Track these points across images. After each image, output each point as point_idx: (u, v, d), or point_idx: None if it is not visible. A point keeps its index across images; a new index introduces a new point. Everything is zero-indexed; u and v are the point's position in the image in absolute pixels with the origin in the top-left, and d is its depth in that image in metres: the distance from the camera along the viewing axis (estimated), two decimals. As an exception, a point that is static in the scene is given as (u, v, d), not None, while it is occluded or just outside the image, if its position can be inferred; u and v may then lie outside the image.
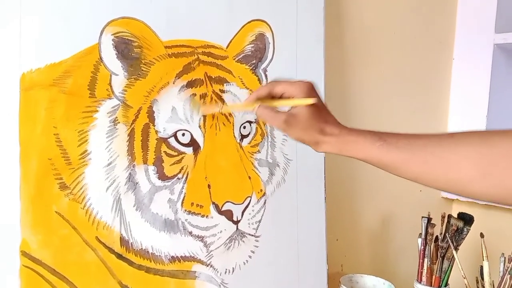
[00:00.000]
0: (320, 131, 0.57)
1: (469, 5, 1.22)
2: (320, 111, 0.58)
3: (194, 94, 0.72)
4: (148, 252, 0.69)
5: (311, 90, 0.58)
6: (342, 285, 0.90)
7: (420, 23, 1.17)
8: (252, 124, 0.78)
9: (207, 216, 0.73)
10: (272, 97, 0.60)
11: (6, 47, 0.59)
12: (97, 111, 0.65)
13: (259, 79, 0.80)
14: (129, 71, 0.67)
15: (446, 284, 0.92)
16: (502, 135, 0.48)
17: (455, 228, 0.90)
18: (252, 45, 0.79)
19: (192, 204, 0.72)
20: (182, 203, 0.72)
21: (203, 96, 0.73)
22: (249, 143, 0.78)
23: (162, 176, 0.70)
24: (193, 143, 0.72)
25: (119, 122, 0.66)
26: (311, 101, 0.56)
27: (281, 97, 0.60)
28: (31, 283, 0.61)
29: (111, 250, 0.66)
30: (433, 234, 0.92)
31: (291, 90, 0.58)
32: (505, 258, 0.90)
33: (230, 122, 0.75)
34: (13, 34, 0.59)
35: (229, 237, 0.76)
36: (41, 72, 0.61)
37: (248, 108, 0.63)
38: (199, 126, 0.72)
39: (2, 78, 0.59)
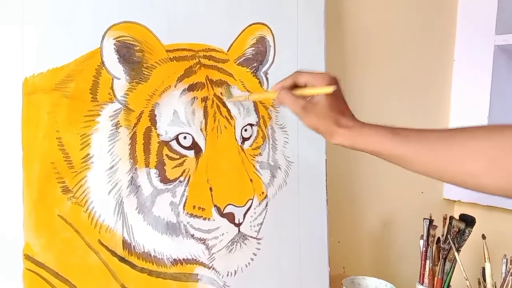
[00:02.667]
0: (335, 121, 0.59)
1: (470, 7, 1.22)
2: (338, 103, 0.60)
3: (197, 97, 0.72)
4: (150, 255, 0.70)
5: (333, 81, 0.60)
6: (344, 287, 0.90)
7: (421, 24, 1.17)
8: (253, 127, 0.79)
9: (209, 219, 0.74)
10: (296, 86, 0.62)
11: (9, 51, 0.59)
12: (99, 115, 0.65)
13: (260, 82, 0.80)
14: (131, 75, 0.67)
15: (448, 286, 0.92)
16: (510, 127, 0.49)
17: (457, 230, 0.90)
18: (253, 48, 0.79)
19: (194, 207, 0.73)
20: (184, 206, 0.72)
21: (205, 100, 0.73)
22: (250, 146, 0.79)
23: (164, 179, 0.70)
24: (194, 146, 0.72)
25: (121, 126, 0.67)
26: (330, 89, 0.58)
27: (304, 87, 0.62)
28: (34, 286, 0.61)
29: (114, 253, 0.67)
30: (434, 235, 0.92)
31: (314, 81, 0.60)
32: (507, 259, 0.90)
33: (231, 125, 0.76)
34: (15, 39, 0.60)
35: (231, 239, 0.76)
36: (44, 77, 0.61)
37: (271, 96, 0.64)
38: (201, 129, 0.73)
39: (5, 83, 0.59)
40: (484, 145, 0.50)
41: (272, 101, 0.67)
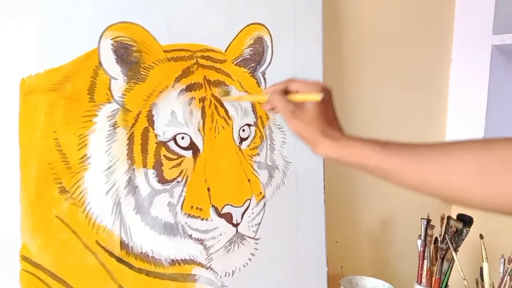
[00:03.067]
0: (321, 131, 0.58)
1: (467, 7, 1.22)
2: (328, 113, 0.59)
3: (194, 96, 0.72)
4: (148, 255, 0.70)
5: (325, 90, 0.59)
6: (342, 287, 0.90)
7: (418, 24, 1.17)
8: (251, 127, 0.79)
9: (206, 219, 0.74)
10: (288, 92, 0.62)
11: (6, 52, 0.59)
12: (96, 115, 0.65)
13: (257, 82, 0.80)
14: (128, 75, 0.67)
15: (446, 286, 0.92)
16: (503, 141, 0.48)
17: (455, 230, 0.91)
18: (251, 48, 0.79)
19: (192, 207, 0.73)
20: (182, 206, 0.72)
21: (202, 100, 0.73)
22: (248, 146, 0.79)
23: (162, 180, 0.70)
24: (192, 147, 0.72)
25: (118, 126, 0.66)
26: (318, 96, 0.57)
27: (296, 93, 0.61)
28: (31, 287, 0.61)
29: (111, 254, 0.67)
30: (432, 235, 0.92)
31: (306, 88, 0.60)
32: (504, 259, 0.90)
33: (229, 125, 0.76)
34: (12, 39, 0.59)
35: (229, 240, 0.76)
36: (41, 77, 0.61)
37: (262, 98, 0.64)
38: (198, 130, 0.73)
39: (2, 83, 0.59)
40: (476, 158, 0.48)
41: (261, 105, 0.66)
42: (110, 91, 0.66)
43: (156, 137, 0.69)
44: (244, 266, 0.79)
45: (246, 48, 0.79)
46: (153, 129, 0.69)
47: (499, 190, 0.46)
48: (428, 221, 0.93)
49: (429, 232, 0.92)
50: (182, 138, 0.71)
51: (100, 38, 0.65)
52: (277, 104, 0.60)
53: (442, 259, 0.91)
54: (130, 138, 0.67)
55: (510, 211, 0.47)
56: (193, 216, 0.73)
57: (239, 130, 0.77)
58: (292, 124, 0.59)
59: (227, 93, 0.75)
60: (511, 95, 1.26)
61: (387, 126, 1.12)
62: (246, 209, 0.78)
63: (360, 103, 1.05)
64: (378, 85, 1.09)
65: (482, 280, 0.91)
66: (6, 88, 0.59)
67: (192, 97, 0.72)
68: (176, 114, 0.71)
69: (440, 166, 0.50)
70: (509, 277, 0.88)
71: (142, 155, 0.68)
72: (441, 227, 0.93)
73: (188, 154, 0.72)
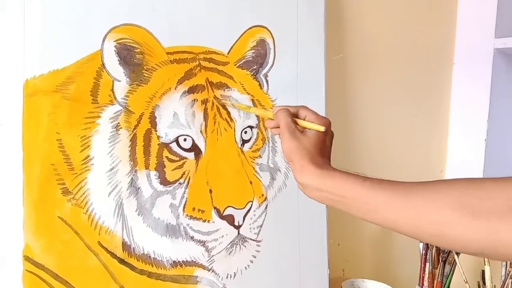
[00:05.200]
0: (310, 158, 0.58)
1: (469, 10, 1.22)
2: (323, 145, 0.60)
3: (196, 100, 0.72)
4: (150, 257, 0.70)
5: (329, 126, 0.61)
6: (343, 290, 0.90)
7: (421, 28, 1.18)
8: (253, 129, 0.79)
9: (208, 221, 0.74)
10: (295, 116, 0.63)
11: (10, 53, 0.60)
12: (99, 116, 0.65)
13: (260, 85, 0.81)
14: (131, 77, 0.67)
15: (448, 289, 0.92)
16: (494, 180, 0.46)
17: (457, 233, 0.90)
18: (253, 50, 0.79)
19: (194, 209, 0.73)
20: (184, 208, 0.72)
21: (205, 102, 0.73)
22: (250, 148, 0.79)
23: (164, 181, 0.70)
24: (194, 148, 0.72)
25: (121, 128, 0.67)
26: (322, 128, 0.59)
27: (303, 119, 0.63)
28: (34, 287, 0.61)
29: (113, 255, 0.67)
30: (434, 238, 0.92)
31: (313, 118, 0.62)
32: (506, 262, 0.90)
33: (231, 127, 0.76)
34: (16, 41, 0.60)
35: (231, 241, 0.76)
36: (44, 79, 0.61)
37: (270, 114, 0.66)
38: (201, 131, 0.73)
39: (6, 84, 0.60)
40: (463, 193, 0.46)
41: (265, 121, 0.67)
42: (113, 92, 0.66)
43: (158, 139, 0.70)
44: (245, 268, 0.79)
45: (249, 51, 0.79)
46: (156, 130, 0.69)
47: (487, 231, 0.44)
48: (430, 224, 0.93)
49: (431, 235, 0.92)
50: (185, 139, 0.72)
51: (104, 40, 0.65)
52: (282, 120, 0.61)
53: (444, 262, 0.91)
54: (133, 140, 0.68)
55: (495, 255, 0.45)
56: (195, 218, 0.73)
57: (241, 132, 0.77)
58: (286, 143, 0.60)
59: (234, 101, 0.75)
60: (513, 98, 1.26)
61: (389, 128, 1.12)
62: (248, 211, 0.78)
63: (362, 105, 1.06)
64: (380, 88, 1.09)
65: (484, 283, 0.91)
66: (10, 89, 0.60)
67: (194, 99, 0.72)
68: (178, 116, 0.71)
69: (423, 199, 0.48)
70: (511, 280, 0.88)
71: (144, 157, 0.69)
72: (443, 230, 0.93)
73: (190, 155, 0.72)
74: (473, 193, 0.46)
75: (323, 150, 0.60)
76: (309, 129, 0.61)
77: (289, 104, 0.65)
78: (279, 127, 0.62)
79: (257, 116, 0.79)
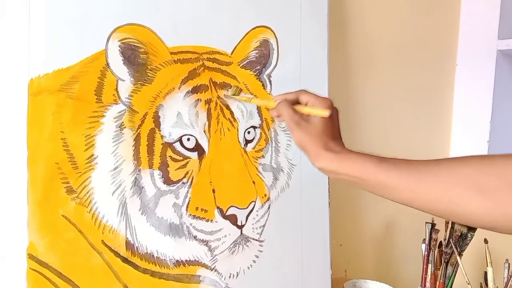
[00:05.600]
0: (324, 144, 0.59)
1: (473, 12, 1.22)
2: (332, 128, 0.61)
3: (200, 99, 0.73)
4: (153, 256, 0.70)
5: (332, 108, 0.61)
6: (346, 290, 0.90)
7: (424, 29, 1.18)
8: (256, 129, 0.79)
9: (211, 221, 0.74)
10: (297, 103, 0.63)
11: (15, 53, 0.60)
12: (103, 116, 0.65)
13: (263, 85, 0.81)
14: (135, 76, 0.68)
15: (450, 290, 0.92)
16: (504, 157, 0.47)
17: (459, 234, 0.90)
18: (257, 51, 0.80)
19: (197, 208, 0.73)
20: (187, 207, 0.72)
21: (208, 102, 0.74)
22: (253, 148, 0.79)
23: (167, 181, 0.70)
24: (198, 148, 0.73)
25: (125, 127, 0.67)
26: (326, 113, 0.59)
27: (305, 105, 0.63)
28: (38, 286, 0.61)
29: (117, 254, 0.67)
30: (437, 239, 0.92)
31: (316, 102, 0.61)
32: (509, 264, 0.90)
33: (234, 127, 0.76)
34: (21, 40, 0.60)
35: (234, 241, 0.76)
36: (49, 78, 0.62)
37: (271, 104, 0.66)
38: (204, 131, 0.73)
39: (11, 83, 0.60)
40: (473, 172, 0.48)
41: (269, 110, 0.68)
42: (117, 92, 0.66)
43: (162, 138, 0.70)
44: (248, 268, 0.79)
45: (252, 51, 0.79)
46: (159, 130, 0.70)
47: (496, 207, 0.46)
48: (433, 225, 0.93)
49: (433, 236, 0.92)
50: (188, 139, 0.72)
51: (108, 39, 0.65)
52: (284, 113, 0.62)
53: (447, 263, 0.91)
54: (137, 139, 0.68)
55: (505, 229, 0.47)
56: (198, 217, 0.73)
57: (245, 132, 0.77)
58: (295, 135, 0.61)
59: (237, 93, 0.75)
60: (516, 99, 1.26)
61: (392, 129, 1.12)
62: (251, 211, 0.78)
63: (365, 106, 1.06)
64: (383, 88, 1.09)
65: (487, 284, 0.91)
66: (15, 88, 0.60)
67: (198, 99, 0.73)
68: (182, 115, 0.71)
69: (436, 179, 0.50)
70: (513, 282, 0.88)
71: (148, 156, 0.69)
72: (446, 231, 0.93)
73: (194, 155, 0.73)
74: (483, 171, 0.47)
75: (332, 131, 0.61)
76: (314, 115, 0.60)
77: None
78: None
79: (260, 116, 0.79)
